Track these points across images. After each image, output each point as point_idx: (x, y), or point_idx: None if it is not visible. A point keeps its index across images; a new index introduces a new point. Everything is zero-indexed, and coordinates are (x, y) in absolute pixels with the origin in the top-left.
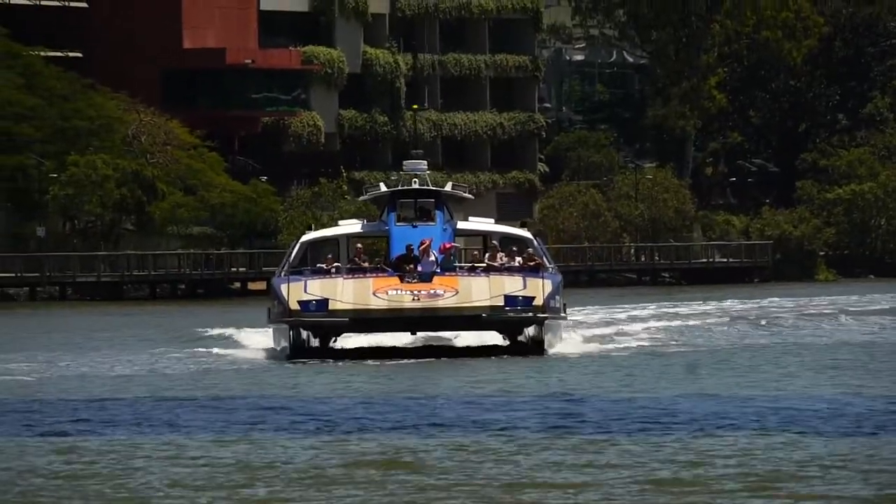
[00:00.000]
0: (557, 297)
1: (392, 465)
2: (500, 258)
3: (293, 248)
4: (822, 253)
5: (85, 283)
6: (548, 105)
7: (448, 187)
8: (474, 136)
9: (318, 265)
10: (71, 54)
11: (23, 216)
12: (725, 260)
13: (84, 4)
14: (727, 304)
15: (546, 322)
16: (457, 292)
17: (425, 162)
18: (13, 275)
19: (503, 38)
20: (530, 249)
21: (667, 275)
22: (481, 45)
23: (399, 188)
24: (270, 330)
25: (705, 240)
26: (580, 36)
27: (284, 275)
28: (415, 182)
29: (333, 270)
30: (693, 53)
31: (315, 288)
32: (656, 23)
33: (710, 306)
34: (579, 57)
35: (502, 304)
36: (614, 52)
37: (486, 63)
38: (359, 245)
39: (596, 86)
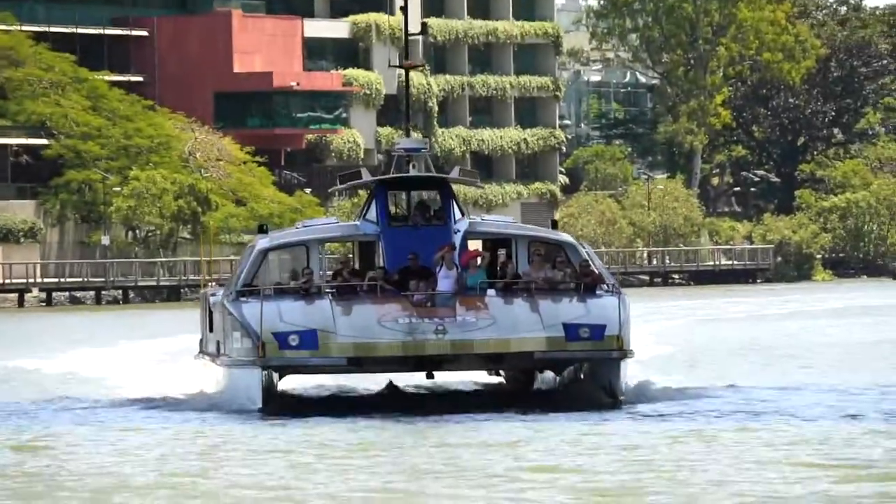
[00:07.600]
0: (629, 325)
1: None
2: (545, 271)
3: (247, 258)
4: (819, 256)
5: (146, 286)
6: (567, 122)
7: (455, 173)
8: (500, 150)
9: (286, 282)
10: (133, 78)
11: (89, 226)
12: (730, 263)
13: (145, 33)
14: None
15: (622, 362)
16: (494, 321)
17: (427, 141)
18: (81, 280)
19: (526, 61)
20: (586, 257)
21: (677, 276)
22: (506, 68)
23: (390, 175)
24: (205, 368)
25: (712, 244)
26: (597, 59)
27: (238, 295)
28: (413, 168)
29: (314, 290)
30: (700, 74)
31: (295, 314)
32: (667, 46)
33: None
34: (596, 78)
35: (562, 335)
36: (628, 74)
37: (510, 84)
38: (350, 255)
39: (612, 104)
